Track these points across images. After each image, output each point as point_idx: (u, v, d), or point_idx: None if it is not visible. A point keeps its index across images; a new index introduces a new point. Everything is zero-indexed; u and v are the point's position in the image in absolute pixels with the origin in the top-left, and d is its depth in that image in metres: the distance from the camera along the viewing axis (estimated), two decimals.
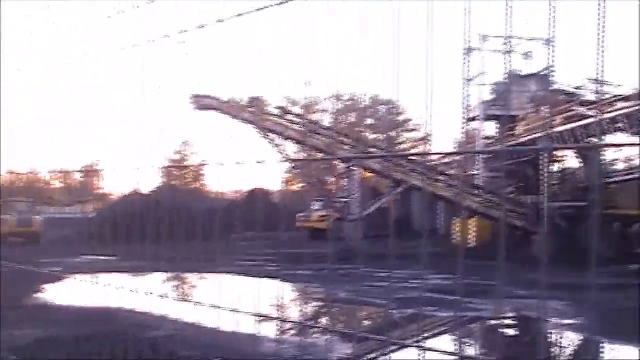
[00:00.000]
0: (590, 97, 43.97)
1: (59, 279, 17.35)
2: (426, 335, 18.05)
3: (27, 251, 24.79)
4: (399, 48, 1.94)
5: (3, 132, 3.68)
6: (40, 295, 16.64)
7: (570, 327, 19.84)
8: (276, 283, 23.08)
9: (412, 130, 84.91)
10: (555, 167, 44.38)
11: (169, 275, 24.33)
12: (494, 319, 20.69)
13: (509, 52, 46.99)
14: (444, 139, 67.46)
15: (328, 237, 43.35)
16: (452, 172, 47.20)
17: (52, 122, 3.07)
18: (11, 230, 36.49)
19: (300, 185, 69.01)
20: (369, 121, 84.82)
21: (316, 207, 51.62)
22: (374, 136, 79.59)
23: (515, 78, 47.55)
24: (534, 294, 19.97)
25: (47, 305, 16.07)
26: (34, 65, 3.35)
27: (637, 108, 34.57)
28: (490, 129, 51.08)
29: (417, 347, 2.00)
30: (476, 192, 42.16)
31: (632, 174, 39.75)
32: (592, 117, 38.33)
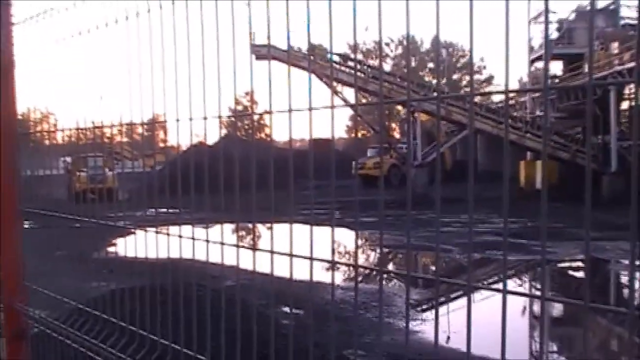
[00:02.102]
0: None
1: (129, 232, 17.69)
2: (494, 278, 18.04)
3: (100, 207, 25.25)
4: None
5: (64, 87, 3.73)
6: (111, 248, 17.05)
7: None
8: (342, 230, 23.22)
9: (475, 72, 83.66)
10: (624, 105, 43.39)
11: (236, 225, 24.52)
12: (563, 261, 20.55)
13: None
14: (511, 80, 65.94)
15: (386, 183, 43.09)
16: (517, 113, 46.54)
17: (114, 76, 3.12)
18: (84, 186, 36.92)
19: (363, 132, 68.81)
20: (430, 65, 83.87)
21: (371, 154, 51.51)
22: (436, 80, 78.68)
23: (580, 14, 46.49)
24: (605, 235, 19.74)
25: (116, 258, 16.46)
26: (95, 19, 3.38)
27: None
28: (556, 68, 49.96)
29: (488, 288, 1.99)
30: (542, 133, 41.48)
31: None
32: None
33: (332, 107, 2.35)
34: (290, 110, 2.42)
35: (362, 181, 45.68)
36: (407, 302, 13.90)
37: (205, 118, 2.81)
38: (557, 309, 14.76)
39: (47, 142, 4.66)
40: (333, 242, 2.48)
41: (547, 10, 2.39)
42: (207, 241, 2.86)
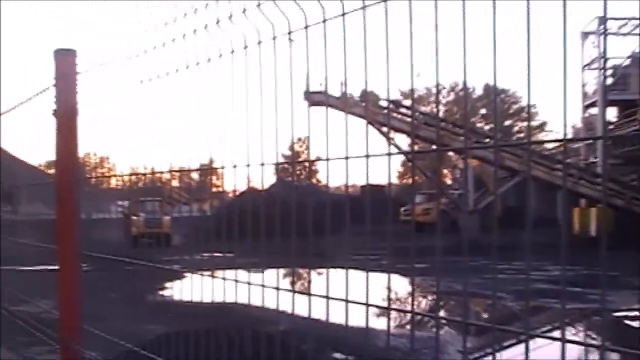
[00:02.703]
0: None
1: (181, 276, 17.91)
2: (548, 326, 17.74)
3: (154, 250, 25.40)
4: (511, 37, 1.94)
5: (124, 134, 3.83)
6: (163, 291, 17.23)
7: None
8: (391, 276, 23.00)
9: (527, 119, 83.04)
10: None
11: (285, 270, 24.56)
12: (618, 310, 20.14)
13: (629, 34, 45.67)
14: (560, 126, 65.25)
15: (432, 229, 42.35)
16: (570, 160, 46.01)
17: (170, 124, 3.20)
18: (140, 230, 35.40)
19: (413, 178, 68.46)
20: (483, 111, 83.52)
21: (420, 200, 51.05)
22: (488, 126, 78.20)
23: (635, 60, 46.11)
24: None
25: (170, 301, 16.63)
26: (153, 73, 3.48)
27: None
28: (611, 114, 49.42)
29: (545, 337, 1.99)
30: (596, 180, 41.04)
31: None
32: None
33: (389, 154, 2.38)
34: (347, 158, 2.46)
35: (415, 227, 44.69)
36: (464, 349, 13.74)
37: (262, 164, 2.87)
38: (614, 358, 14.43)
39: (104, 186, 4.77)
40: (389, 288, 2.50)
41: (604, 56, 2.41)
42: (263, 286, 2.89)
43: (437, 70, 2.21)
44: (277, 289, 2.83)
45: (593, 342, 17.73)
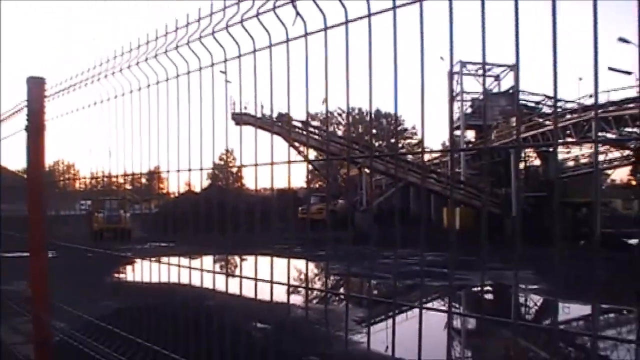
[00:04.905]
0: (547, 110, 44.64)
1: (132, 261, 17.52)
2: (423, 299, 18.07)
3: (112, 242, 24.56)
4: (398, 72, 1.95)
5: (86, 144, 3.73)
6: (116, 274, 16.81)
7: (535, 291, 20.07)
8: (303, 262, 23.12)
9: (409, 137, 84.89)
10: (521, 165, 44.64)
11: (217, 257, 24.37)
12: (476, 286, 20.74)
13: (483, 75, 47.49)
14: (434, 144, 67.21)
15: (324, 226, 41.29)
16: (441, 170, 47.21)
17: (124, 136, 3.14)
18: (101, 226, 31.72)
19: (319, 183, 68.89)
20: (374, 131, 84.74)
21: (314, 201, 49.75)
22: (378, 143, 79.35)
23: (488, 95, 47.91)
24: (506, 266, 20.10)
25: (123, 282, 16.25)
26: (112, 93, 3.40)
27: (582, 119, 35.05)
28: (470, 135, 51.19)
29: (417, 307, 2.01)
30: (461, 186, 42.32)
31: (579, 170, 40.97)
32: (548, 126, 38.95)
33: (289, 162, 2.40)
34: (256, 165, 2.48)
35: (309, 224, 43.43)
36: (346, 317, 13.85)
37: (201, 169, 2.82)
38: (470, 323, 14.87)
39: (70, 188, 4.66)
40: (289, 270, 2.50)
41: (462, 91, 2.45)
42: (202, 270, 2.85)
43: (348, 97, 2.21)
44: (213, 272, 2.79)
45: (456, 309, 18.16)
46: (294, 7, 2.20)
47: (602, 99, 35.99)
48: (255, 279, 2.45)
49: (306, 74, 2.28)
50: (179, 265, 3.00)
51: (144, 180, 3.67)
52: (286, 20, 2.25)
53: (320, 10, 2.10)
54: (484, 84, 47.80)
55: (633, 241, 30.48)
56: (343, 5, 2.05)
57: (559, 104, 44.05)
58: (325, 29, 2.14)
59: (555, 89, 1.74)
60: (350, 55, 2.18)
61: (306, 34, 2.20)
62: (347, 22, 2.08)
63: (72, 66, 3.83)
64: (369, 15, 2.00)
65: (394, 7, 1.94)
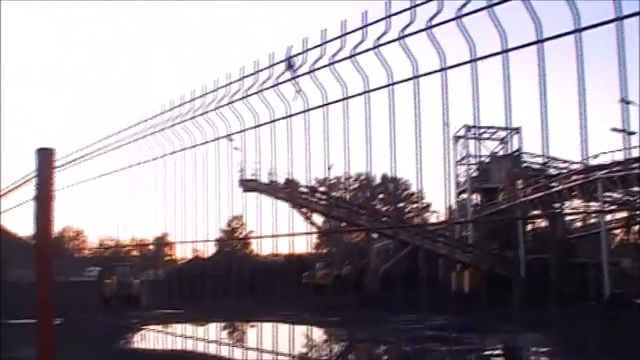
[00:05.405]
0: (553, 171, 44.86)
1: (139, 329, 17.39)
2: None
3: (123, 308, 24.09)
4: (404, 137, 2.00)
5: (94, 213, 3.77)
6: (123, 341, 16.64)
7: (545, 354, 19.72)
8: (310, 328, 22.86)
9: (416, 201, 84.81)
10: (529, 227, 44.47)
11: (224, 324, 24.23)
12: (485, 350, 20.38)
13: (488, 139, 47.98)
14: (440, 207, 67.39)
15: (329, 291, 40.25)
16: (448, 234, 47.12)
17: (131, 204, 3.18)
18: (111, 292, 32.46)
19: (328, 248, 68.58)
20: (381, 195, 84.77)
21: (319, 266, 49.40)
22: (385, 207, 79.22)
23: (494, 158, 48.21)
24: (517, 328, 19.80)
25: (130, 349, 16.09)
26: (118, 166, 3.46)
27: (588, 180, 35.16)
28: (476, 198, 51.24)
29: None
30: (468, 249, 42.17)
31: (587, 231, 40.95)
32: (554, 187, 39.00)
33: (309, 233, 2.41)
34: (274, 236, 2.49)
35: (313, 289, 42.13)
36: None
37: (208, 240, 2.84)
38: None
39: (78, 254, 4.67)
40: (293, 339, 2.47)
41: (468, 155, 2.49)
42: (206, 340, 2.83)
43: (348, 163, 2.25)
44: (219, 342, 2.77)
45: None
46: (295, 84, 2.28)
47: (607, 159, 36.23)
48: (259, 350, 2.43)
49: (307, 144, 2.32)
50: (184, 336, 2.99)
51: (151, 247, 3.69)
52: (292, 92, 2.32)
53: (324, 86, 2.16)
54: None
55: None
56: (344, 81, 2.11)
57: (564, 165, 44.29)
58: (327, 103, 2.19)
59: (545, 146, 1.76)
60: (367, 125, 2.24)
61: (311, 108, 2.25)
62: (345, 98, 2.14)
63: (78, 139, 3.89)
64: (367, 91, 2.07)
65: (391, 84, 2.00)
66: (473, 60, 1.84)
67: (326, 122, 2.20)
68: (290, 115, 2.34)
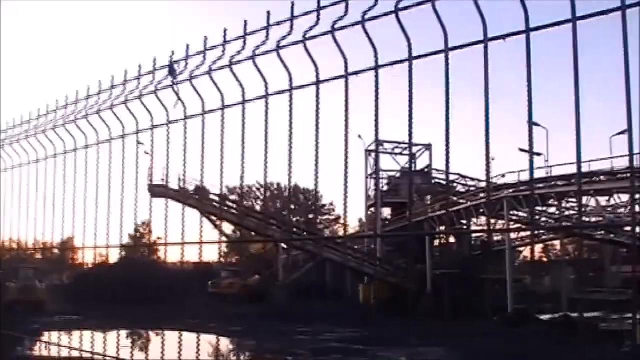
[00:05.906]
0: (460, 188, 46.28)
1: (38, 335, 16.68)
2: None
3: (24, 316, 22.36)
4: (317, 149, 2.00)
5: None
6: (20, 347, 15.92)
7: None
8: (215, 337, 22.55)
9: (326, 213, 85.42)
10: (436, 242, 45.63)
11: (127, 331, 23.49)
12: None
13: (399, 154, 49.04)
14: (351, 220, 68.22)
15: (235, 300, 39.21)
16: (357, 247, 47.65)
17: (35, 205, 3.04)
18: (13, 297, 29.55)
19: (236, 258, 67.90)
20: (292, 206, 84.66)
21: (224, 275, 48.09)
22: (296, 218, 79.28)
23: (404, 173, 49.27)
24: (423, 342, 20.21)
25: (25, 356, 15.41)
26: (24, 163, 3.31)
27: (494, 198, 36.28)
28: (386, 212, 52.14)
29: None
30: (376, 262, 42.87)
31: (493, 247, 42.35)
32: (461, 204, 40.14)
33: (219, 242, 2.36)
34: (183, 244, 2.43)
35: (219, 298, 41.04)
36: None
37: (121, 246, 2.73)
38: None
39: None
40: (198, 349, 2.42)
41: (378, 169, 2.51)
42: (95, 353, 2.72)
43: (266, 173, 2.23)
44: (104, 355, 2.67)
45: None
46: (213, 81, 2.24)
47: (513, 178, 37.69)
48: None
49: (222, 148, 2.28)
50: (69, 347, 2.86)
51: (56, 251, 3.53)
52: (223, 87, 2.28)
53: (251, 83, 2.14)
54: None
55: (544, 317, 31.34)
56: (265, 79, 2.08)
57: (472, 182, 45.72)
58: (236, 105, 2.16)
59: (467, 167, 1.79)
60: (292, 128, 2.22)
61: (202, 113, 2.21)
62: (248, 99, 2.11)
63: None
64: (266, 95, 2.11)
65: (290, 89, 1.99)
66: (345, 76, 1.94)
67: (219, 129, 2.19)
68: (169, 122, 2.32)
